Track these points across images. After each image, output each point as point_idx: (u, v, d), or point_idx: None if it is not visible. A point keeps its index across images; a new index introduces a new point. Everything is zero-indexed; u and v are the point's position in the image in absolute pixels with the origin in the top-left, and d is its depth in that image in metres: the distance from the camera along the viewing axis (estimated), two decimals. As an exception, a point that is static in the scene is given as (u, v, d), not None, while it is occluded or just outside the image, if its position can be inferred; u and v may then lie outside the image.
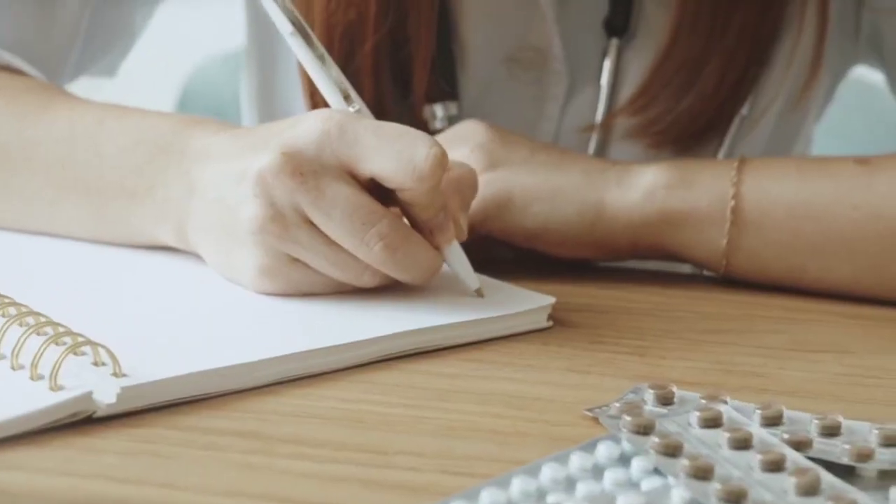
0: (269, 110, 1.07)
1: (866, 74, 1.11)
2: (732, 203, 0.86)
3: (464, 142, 0.88)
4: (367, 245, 0.74)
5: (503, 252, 0.89)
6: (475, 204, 0.85)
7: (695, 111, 0.93)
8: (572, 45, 0.97)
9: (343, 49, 0.91)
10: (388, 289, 0.77)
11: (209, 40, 1.69)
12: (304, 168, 0.73)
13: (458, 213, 0.77)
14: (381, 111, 0.90)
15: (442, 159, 0.73)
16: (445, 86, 0.96)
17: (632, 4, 0.96)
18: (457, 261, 0.78)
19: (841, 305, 0.85)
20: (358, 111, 0.77)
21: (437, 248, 0.77)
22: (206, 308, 0.76)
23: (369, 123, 0.75)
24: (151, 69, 1.32)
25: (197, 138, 0.80)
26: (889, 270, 0.84)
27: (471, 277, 0.78)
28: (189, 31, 1.55)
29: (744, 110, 0.96)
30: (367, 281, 0.76)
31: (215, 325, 0.74)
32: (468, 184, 0.79)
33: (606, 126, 0.97)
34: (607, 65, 0.97)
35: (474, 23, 0.97)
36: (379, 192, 0.75)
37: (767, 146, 1.00)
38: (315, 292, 0.76)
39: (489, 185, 0.86)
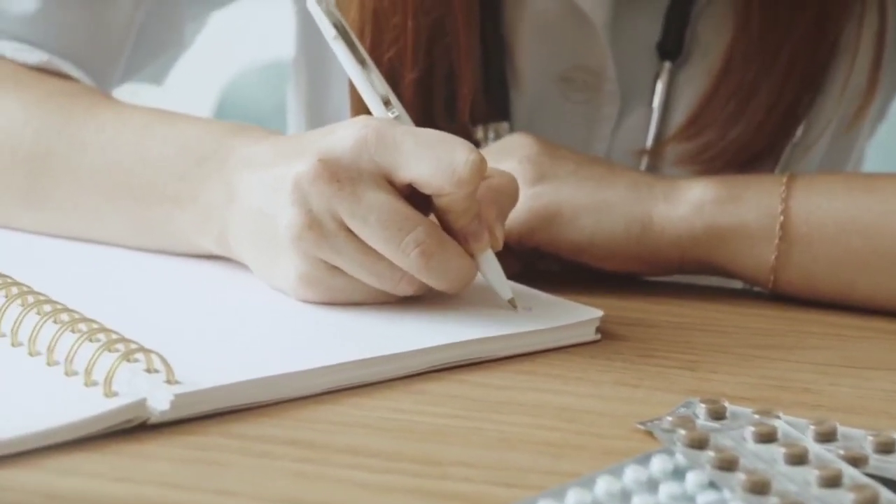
0: (319, 120, 1.07)
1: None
2: (781, 219, 0.85)
3: (511, 154, 0.88)
4: (403, 252, 0.74)
5: (551, 264, 0.89)
6: (523, 216, 0.85)
7: (746, 138, 0.93)
8: (625, 67, 0.97)
9: (388, 78, 0.92)
10: (431, 300, 0.77)
11: (247, 51, 1.70)
12: (340, 174, 0.73)
13: (493, 222, 0.77)
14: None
15: (481, 165, 0.73)
16: (498, 107, 0.96)
17: (685, 28, 0.96)
18: (490, 270, 0.78)
19: (891, 322, 0.84)
20: (397, 117, 0.77)
21: (471, 256, 0.76)
22: (255, 315, 0.76)
23: (408, 129, 0.75)
24: (189, 78, 1.33)
25: (239, 146, 0.80)
26: (939, 287, 0.84)
27: (504, 288, 0.78)
28: (227, 42, 1.55)
29: (797, 136, 0.96)
30: (403, 289, 0.75)
31: (265, 332, 0.74)
32: (507, 193, 0.78)
33: (657, 152, 0.96)
34: (660, 88, 0.97)
35: (528, 43, 0.97)
36: (415, 200, 0.75)
37: (820, 167, 1.00)
38: (355, 301, 0.76)
39: (537, 197, 0.86)
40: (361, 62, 0.77)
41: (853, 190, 0.86)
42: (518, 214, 0.85)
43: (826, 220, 0.85)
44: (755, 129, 0.93)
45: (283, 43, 1.15)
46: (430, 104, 0.94)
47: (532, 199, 0.86)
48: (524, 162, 0.87)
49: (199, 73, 1.51)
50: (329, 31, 0.77)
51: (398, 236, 0.73)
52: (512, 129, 0.97)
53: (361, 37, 0.89)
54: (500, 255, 0.86)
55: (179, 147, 0.82)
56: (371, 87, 0.77)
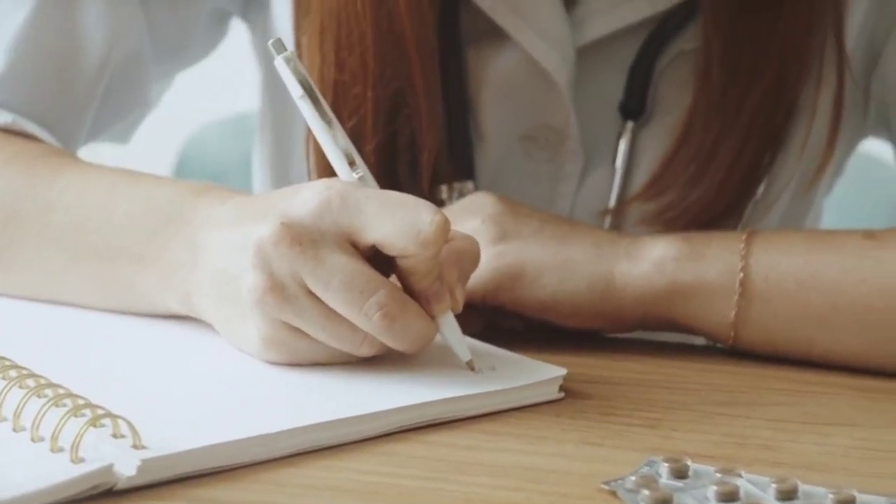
0: (284, 175, 1.07)
1: (867, 145, 1.12)
2: (741, 275, 0.86)
3: (475, 213, 0.89)
4: (365, 315, 0.74)
5: (515, 323, 0.90)
6: (486, 275, 0.86)
7: (708, 198, 0.94)
8: (588, 126, 0.98)
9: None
10: (395, 359, 0.78)
11: (207, 106, 1.70)
12: (303, 237, 0.74)
13: (455, 284, 0.77)
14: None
15: (445, 226, 0.74)
16: (462, 166, 0.97)
17: (647, 88, 0.97)
18: (450, 331, 0.78)
19: (850, 378, 0.85)
20: (362, 177, 0.77)
21: (431, 317, 0.77)
22: (220, 377, 0.76)
23: (371, 192, 0.75)
24: (148, 134, 1.33)
25: (204, 207, 0.80)
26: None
27: (463, 349, 0.78)
28: (187, 97, 1.56)
29: (758, 194, 0.97)
30: (365, 350, 0.76)
31: (231, 395, 0.74)
32: (469, 256, 0.79)
33: (620, 211, 0.97)
34: (622, 147, 0.98)
35: (492, 103, 0.98)
36: (377, 262, 0.76)
37: (780, 225, 1.01)
38: (319, 362, 0.77)
39: (500, 257, 0.87)
40: (328, 122, 0.77)
41: (812, 247, 0.87)
42: (482, 273, 0.86)
43: (785, 277, 0.86)
44: (716, 189, 0.94)
45: (247, 97, 1.16)
46: (393, 168, 0.95)
47: (496, 259, 0.87)
48: (487, 221, 0.88)
49: (160, 127, 1.50)
50: (296, 90, 0.77)
51: (360, 299, 0.74)
52: (477, 188, 0.98)
53: None
54: (465, 314, 0.87)
55: (145, 207, 0.83)
56: (336, 146, 0.77)
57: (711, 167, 0.94)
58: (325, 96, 0.89)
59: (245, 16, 1.07)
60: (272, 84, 1.07)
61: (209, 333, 0.81)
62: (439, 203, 0.95)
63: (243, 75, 1.21)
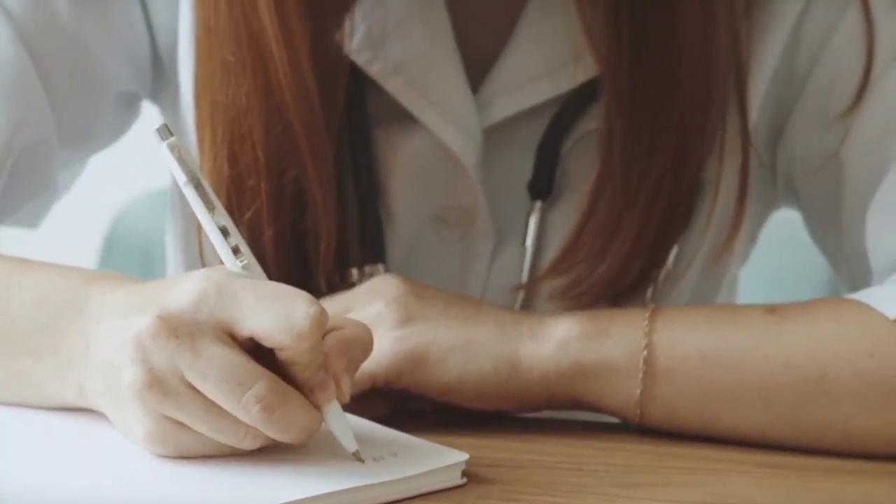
0: (195, 254, 1.07)
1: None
2: (645, 353, 0.86)
3: (378, 297, 0.88)
4: (244, 407, 0.73)
5: (423, 404, 0.89)
6: (390, 359, 0.86)
7: (613, 273, 0.94)
8: (498, 205, 0.99)
9: (249, 233, 0.92)
10: (287, 450, 0.77)
11: (134, 180, 1.70)
12: (180, 330, 0.73)
13: (341, 374, 0.76)
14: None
15: (321, 318, 0.73)
16: (373, 248, 0.97)
17: (555, 167, 0.97)
18: (335, 422, 0.77)
19: (755, 454, 0.85)
20: (246, 265, 0.77)
21: (317, 407, 0.76)
22: (116, 474, 0.75)
23: (248, 283, 0.75)
24: (76, 210, 1.32)
25: (95, 295, 0.80)
26: (801, 419, 0.85)
27: (349, 440, 0.77)
28: (113, 174, 1.55)
29: (667, 267, 0.97)
30: (250, 443, 0.75)
31: (125, 493, 0.73)
32: (359, 344, 0.78)
33: (532, 288, 0.97)
34: (532, 226, 0.98)
35: (401, 185, 0.98)
36: (261, 351, 0.75)
37: (692, 297, 1.01)
38: (207, 454, 0.76)
39: (404, 340, 0.86)
40: (211, 209, 0.77)
41: (715, 323, 0.87)
42: (385, 357, 0.86)
43: (689, 354, 0.86)
44: (621, 263, 0.95)
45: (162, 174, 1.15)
46: (294, 256, 0.94)
47: (399, 342, 0.86)
48: (391, 304, 0.88)
49: (85, 206, 1.50)
50: (180, 177, 0.77)
51: (238, 391, 0.73)
52: (388, 270, 0.97)
53: (218, 198, 0.89)
54: (371, 397, 0.87)
55: (38, 297, 0.82)
56: (220, 235, 0.77)
57: (616, 243, 0.94)
58: (219, 189, 0.89)
59: (155, 98, 1.07)
60: None
61: (107, 425, 0.80)
62: (349, 287, 0.94)
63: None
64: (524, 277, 0.98)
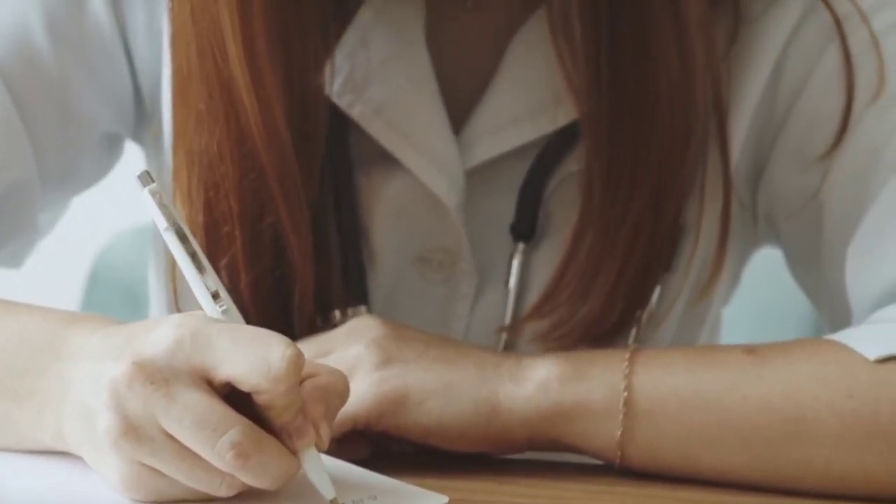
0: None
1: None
2: (625, 394, 0.86)
3: (357, 338, 0.89)
4: (218, 454, 0.73)
5: (404, 446, 0.89)
6: (370, 401, 0.86)
7: (594, 315, 0.95)
8: (481, 246, 0.99)
9: (228, 278, 0.92)
10: (266, 496, 0.77)
11: (118, 217, 1.69)
12: (155, 376, 0.73)
13: (319, 420, 0.76)
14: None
15: (297, 360, 0.73)
16: (355, 290, 0.97)
17: (538, 209, 0.98)
18: (313, 468, 0.77)
19: (735, 496, 0.85)
20: (225, 311, 0.77)
21: (294, 452, 0.76)
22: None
23: (224, 327, 0.75)
24: (59, 247, 1.32)
25: (74, 338, 0.80)
26: (781, 459, 0.85)
27: (326, 487, 0.77)
28: (96, 210, 1.55)
29: (650, 308, 0.97)
30: (225, 491, 0.75)
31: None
32: (335, 391, 0.78)
33: (515, 329, 0.98)
34: (514, 268, 0.98)
35: (384, 226, 0.98)
36: (240, 397, 0.75)
37: (675, 337, 1.01)
38: (183, 500, 0.76)
39: (384, 382, 0.86)
40: (191, 255, 0.77)
41: (694, 364, 0.87)
42: (365, 399, 0.86)
43: (668, 395, 0.86)
44: (601, 305, 0.95)
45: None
46: (274, 299, 0.94)
47: (379, 384, 0.86)
48: (370, 346, 0.88)
49: (73, 236, 1.49)
50: (161, 223, 0.77)
51: (213, 438, 0.73)
52: (370, 312, 0.97)
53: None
54: (351, 440, 0.87)
55: (18, 339, 0.82)
56: (200, 280, 0.77)
57: (596, 285, 0.94)
58: (196, 236, 0.89)
59: (138, 139, 1.07)
60: None
61: (85, 469, 0.80)
62: (332, 329, 0.94)
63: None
64: (507, 319, 0.98)
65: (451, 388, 0.87)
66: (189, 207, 0.93)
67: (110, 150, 1.06)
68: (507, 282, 0.99)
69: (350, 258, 0.98)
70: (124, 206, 1.65)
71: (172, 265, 0.96)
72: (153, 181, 0.77)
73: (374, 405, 0.86)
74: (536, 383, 0.87)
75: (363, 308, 0.97)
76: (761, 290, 1.33)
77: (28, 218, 1.01)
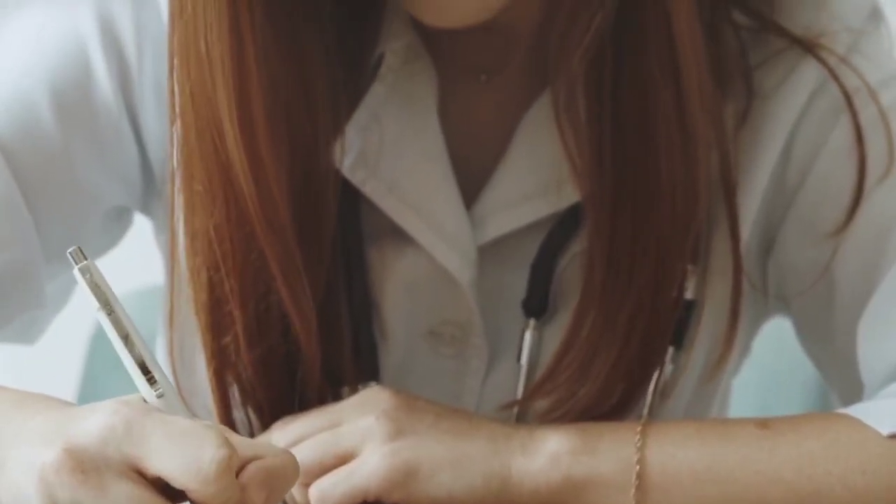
0: (184, 363, 1.06)
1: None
2: (637, 468, 0.86)
3: (369, 410, 0.88)
4: None
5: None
6: (381, 474, 0.86)
7: (595, 393, 0.94)
8: (493, 321, 0.99)
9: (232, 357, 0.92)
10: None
11: (123, 277, 1.68)
12: (86, 465, 0.71)
13: None
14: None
15: (228, 462, 0.70)
16: (367, 365, 0.97)
17: (549, 285, 0.98)
18: None
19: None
20: (161, 395, 0.75)
21: None
22: None
23: (158, 419, 0.72)
24: (58, 319, 1.31)
25: (16, 421, 0.78)
26: (793, 534, 0.85)
27: None
28: (103, 266, 1.55)
29: (659, 384, 0.97)
30: None
31: None
32: (281, 475, 0.74)
33: (525, 405, 0.97)
34: (526, 344, 0.98)
35: (395, 301, 0.98)
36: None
37: (687, 410, 1.01)
38: None
39: (395, 454, 0.86)
40: (124, 337, 0.75)
41: (706, 438, 0.87)
42: (376, 471, 0.86)
43: (681, 469, 0.86)
44: (602, 385, 0.94)
45: (153, 270, 1.14)
46: (281, 374, 0.94)
47: (390, 456, 0.86)
48: (381, 417, 0.88)
49: (67, 312, 1.49)
50: (93, 303, 0.75)
51: None
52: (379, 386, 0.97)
53: (199, 325, 0.88)
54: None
55: None
56: (134, 364, 0.75)
57: (596, 364, 0.94)
58: (199, 315, 0.87)
59: (146, 211, 1.06)
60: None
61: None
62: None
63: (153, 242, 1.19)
64: (519, 394, 0.98)
65: (462, 460, 0.87)
66: (192, 286, 0.93)
67: (118, 222, 1.06)
68: (518, 357, 0.98)
69: (361, 333, 0.97)
70: (127, 269, 1.64)
71: (171, 317, 0.95)
72: (85, 258, 0.75)
73: (385, 478, 0.86)
74: (547, 456, 0.87)
75: (373, 384, 0.97)
76: (767, 354, 1.33)
77: (32, 295, 1.00)
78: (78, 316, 1.54)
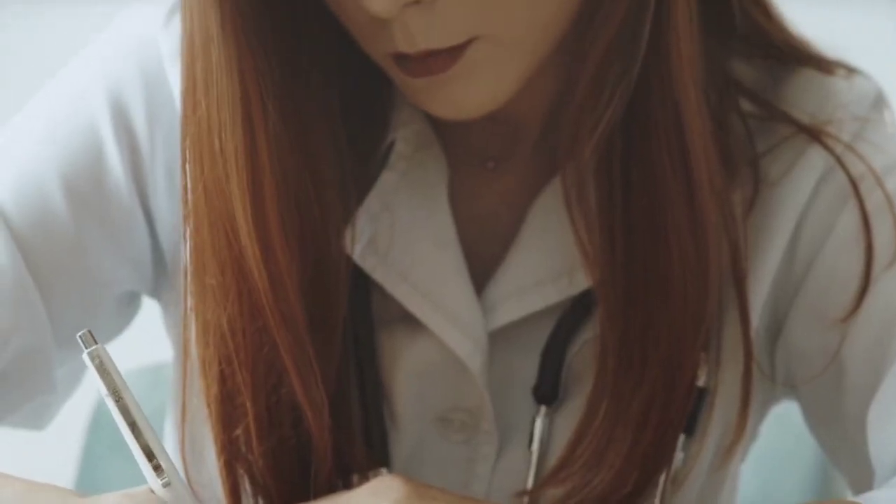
0: (192, 443, 1.06)
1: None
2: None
3: (381, 498, 0.88)
4: None
5: None
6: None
7: (608, 482, 0.94)
8: (503, 408, 0.98)
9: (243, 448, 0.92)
10: None
11: (123, 358, 1.68)
12: None
13: None
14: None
15: None
16: (377, 451, 0.97)
17: (560, 372, 0.98)
18: None
19: None
20: (167, 483, 0.76)
21: None
22: None
23: None
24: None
25: None
26: None
27: None
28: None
29: (671, 472, 0.97)
30: None
31: None
32: None
33: (536, 494, 0.97)
34: (537, 431, 0.98)
35: (406, 387, 0.98)
36: None
37: (699, 496, 1.00)
38: None
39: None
40: (131, 425, 0.76)
41: None
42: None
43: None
44: (617, 473, 0.94)
45: (160, 346, 1.14)
46: (293, 462, 0.93)
47: (402, 546, 0.86)
48: (393, 507, 0.87)
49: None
50: (102, 388, 0.76)
51: None
52: (390, 472, 0.97)
53: (209, 417, 0.88)
54: None
55: None
56: (141, 452, 0.76)
57: (611, 452, 0.94)
58: (210, 407, 0.87)
59: (156, 295, 1.06)
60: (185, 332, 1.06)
61: None
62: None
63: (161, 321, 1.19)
64: (529, 482, 0.97)
65: None
66: (204, 378, 0.93)
67: (129, 306, 1.06)
68: (529, 444, 0.98)
69: (372, 421, 0.97)
70: (135, 345, 1.64)
71: (184, 410, 0.95)
72: (95, 342, 0.76)
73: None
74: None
75: (383, 471, 0.97)
76: (768, 432, 1.33)
77: (43, 381, 1.00)
78: (78, 394, 1.54)
